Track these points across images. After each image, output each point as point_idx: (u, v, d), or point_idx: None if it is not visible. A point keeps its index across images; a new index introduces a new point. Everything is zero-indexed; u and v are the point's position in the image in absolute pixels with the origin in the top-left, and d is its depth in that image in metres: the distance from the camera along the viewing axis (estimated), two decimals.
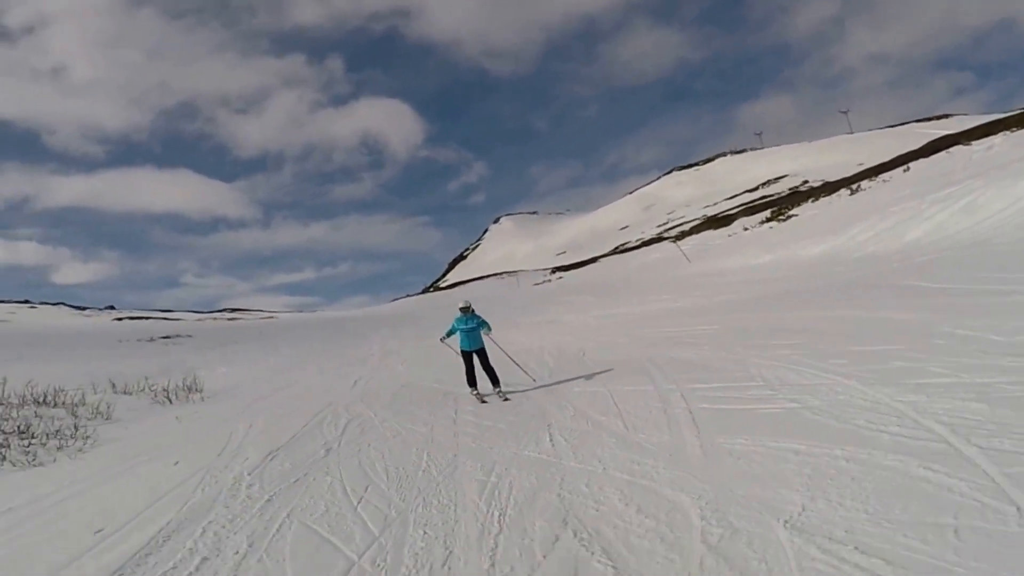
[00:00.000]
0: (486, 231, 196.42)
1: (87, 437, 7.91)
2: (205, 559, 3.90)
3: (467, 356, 9.05)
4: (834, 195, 32.58)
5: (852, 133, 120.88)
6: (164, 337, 29.39)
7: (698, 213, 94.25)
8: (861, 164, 64.29)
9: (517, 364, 9.79)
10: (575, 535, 3.60)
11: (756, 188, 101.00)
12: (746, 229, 33.66)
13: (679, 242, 37.91)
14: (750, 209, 52.85)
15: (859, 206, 24.30)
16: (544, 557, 3.41)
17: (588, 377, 8.50)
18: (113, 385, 12.22)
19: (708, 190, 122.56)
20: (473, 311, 9.37)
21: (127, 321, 49.91)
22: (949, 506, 3.10)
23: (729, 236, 33.79)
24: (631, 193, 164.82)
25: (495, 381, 8.72)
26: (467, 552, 3.61)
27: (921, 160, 30.39)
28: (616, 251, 73.20)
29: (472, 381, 8.85)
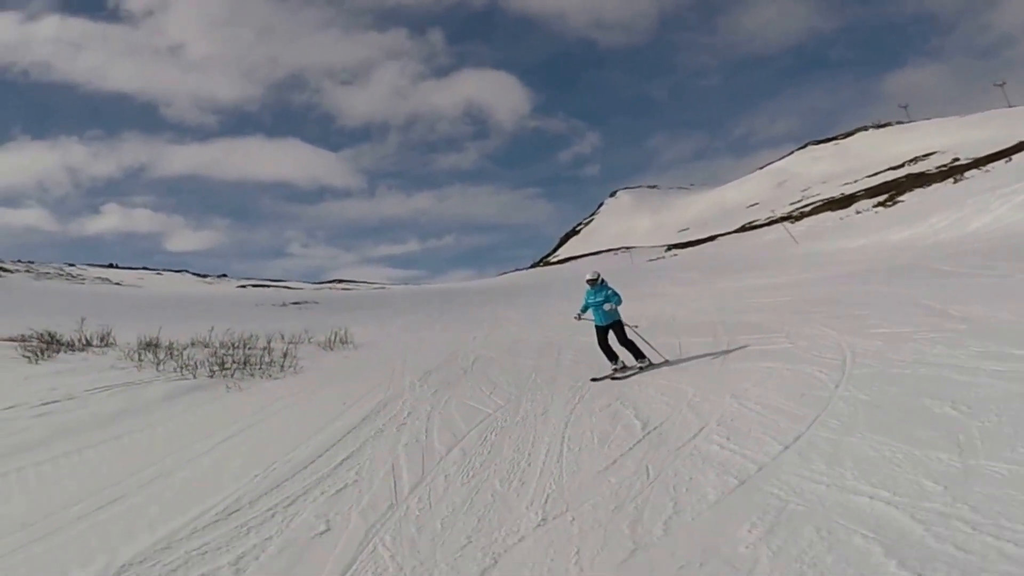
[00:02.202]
0: (601, 205, 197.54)
1: (293, 367, 11.87)
2: (410, 413, 7.44)
3: (601, 332, 9.18)
4: (942, 183, 33.19)
5: (1010, 107, 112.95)
6: (294, 303, 34.70)
7: (835, 191, 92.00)
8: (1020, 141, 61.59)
9: (645, 341, 9.41)
10: (620, 402, 6.82)
11: (902, 165, 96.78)
12: (858, 213, 34.83)
13: (793, 223, 39.26)
14: (873, 192, 52.57)
15: (952, 195, 25.56)
16: (599, 410, 6.65)
17: (670, 333, 11.51)
18: (282, 336, 16.41)
19: (847, 166, 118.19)
20: (603, 282, 9.45)
21: (250, 288, 57.09)
22: (811, 385, 6.10)
23: (841, 219, 35.14)
24: (762, 168, 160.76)
25: (638, 355, 8.83)
26: (557, 410, 6.90)
27: None
28: (743, 229, 73.76)
29: (609, 355, 8.98)
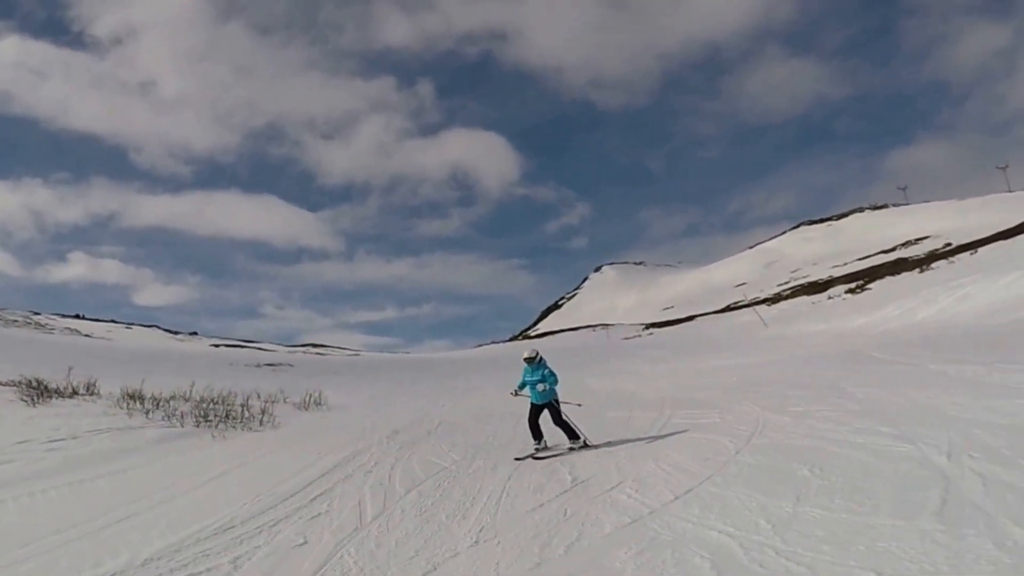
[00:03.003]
0: (586, 279, 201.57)
1: (271, 422, 13.09)
2: (376, 463, 8.74)
3: (536, 409, 9.46)
4: (912, 272, 35.54)
5: (1011, 191, 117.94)
6: (269, 365, 35.70)
7: (823, 273, 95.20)
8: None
9: (572, 424, 9.43)
10: (560, 462, 8.15)
11: (893, 248, 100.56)
12: (830, 298, 36.95)
13: (770, 307, 41.29)
14: (850, 278, 55.11)
15: (913, 285, 27.76)
16: (540, 468, 7.99)
17: (625, 407, 12.87)
18: (258, 395, 17.61)
19: (839, 248, 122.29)
20: (541, 361, 9.67)
21: (224, 348, 57.93)
22: (718, 451, 7.54)
23: (813, 304, 37.29)
24: (752, 248, 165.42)
25: (571, 436, 9.20)
26: (504, 466, 8.23)
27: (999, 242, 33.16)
28: (727, 309, 76.09)
29: (537, 433, 9.30)
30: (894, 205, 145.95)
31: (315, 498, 6.99)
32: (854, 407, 8.93)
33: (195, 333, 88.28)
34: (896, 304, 23.54)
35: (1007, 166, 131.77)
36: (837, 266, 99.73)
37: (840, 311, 29.29)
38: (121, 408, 12.62)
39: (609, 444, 9.05)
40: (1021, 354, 11.30)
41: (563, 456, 8.66)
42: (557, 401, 9.42)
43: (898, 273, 37.19)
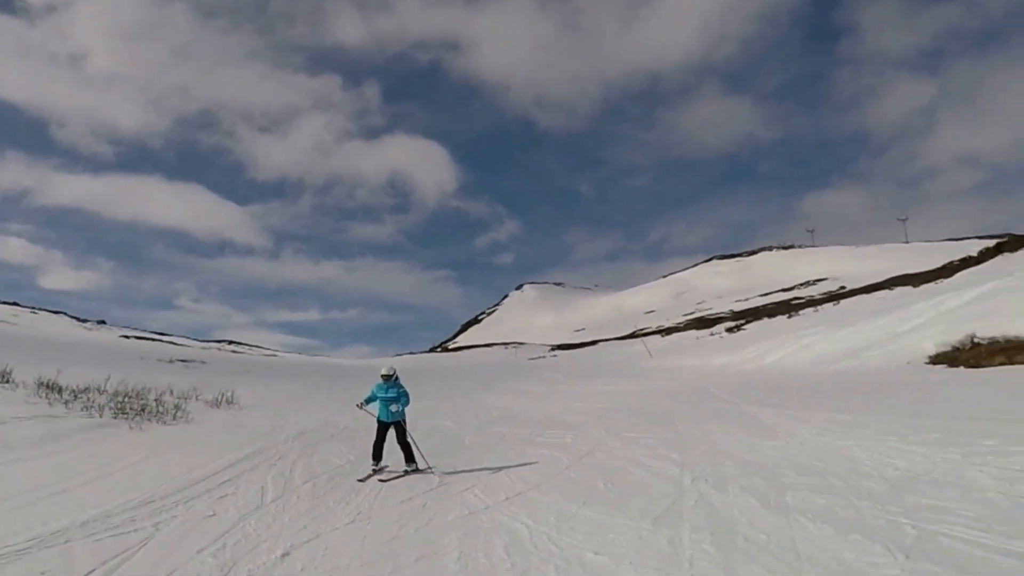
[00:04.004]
0: (506, 296, 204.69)
1: (184, 417, 14.22)
2: (280, 458, 10.15)
3: (382, 428, 9.78)
4: (783, 316, 39.10)
5: (907, 243, 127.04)
6: (182, 360, 35.95)
7: (726, 307, 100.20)
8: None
9: (417, 448, 9.94)
10: (430, 468, 9.79)
11: (792, 288, 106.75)
12: (712, 335, 40.10)
13: (664, 337, 44.24)
14: (737, 315, 58.99)
15: (777, 329, 31.00)
16: (415, 471, 9.60)
17: (504, 424, 14.56)
18: (171, 391, 18.52)
19: (744, 284, 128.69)
20: (396, 379, 10.06)
21: (133, 340, 57.00)
22: (554, 464, 9.33)
23: (697, 339, 40.29)
24: (665, 277, 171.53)
25: (409, 459, 9.64)
26: (390, 468, 9.78)
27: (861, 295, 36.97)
28: (633, 335, 79.45)
29: (377, 455, 9.61)
30: (800, 246, 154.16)
31: (224, 483, 8.41)
32: (668, 436, 10.91)
33: (103, 322, 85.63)
34: (755, 347, 26.38)
35: (907, 219, 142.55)
36: (739, 300, 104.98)
37: (712, 348, 32.14)
38: (41, 397, 13.52)
39: (478, 456, 10.73)
40: (823, 402, 13.60)
41: (434, 459, 10.26)
42: (404, 422, 9.80)
43: (775, 316, 40.65)
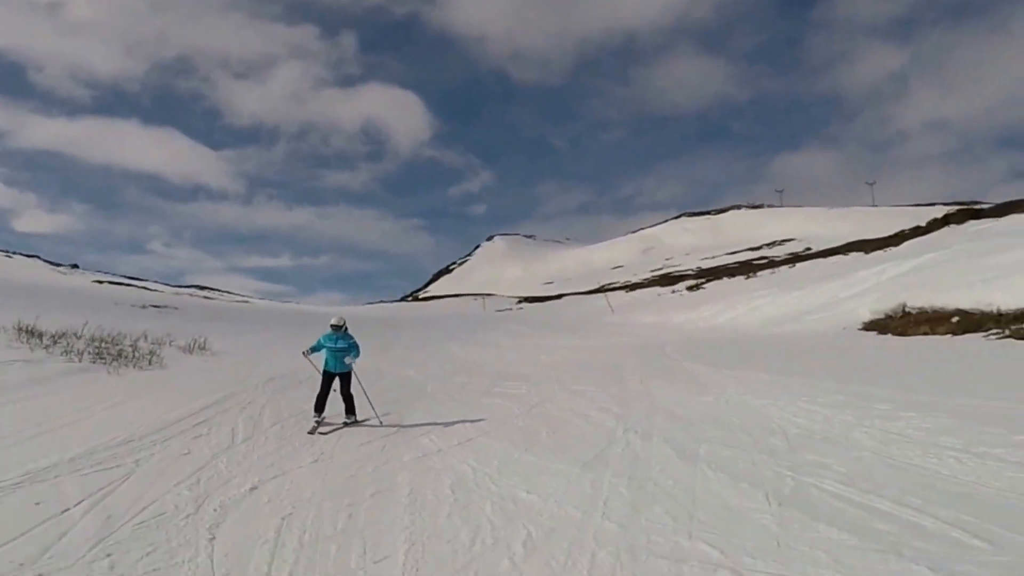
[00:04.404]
0: (477, 247, 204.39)
1: (159, 363, 14.70)
2: (251, 403, 10.75)
3: (327, 378, 9.79)
4: (742, 277, 40.28)
5: (875, 206, 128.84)
6: (155, 306, 36.08)
7: (694, 264, 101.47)
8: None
9: (369, 400, 10.16)
10: (388, 414, 10.46)
11: (760, 247, 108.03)
12: (674, 292, 41.17)
13: (628, 292, 45.25)
14: (700, 274, 60.20)
15: (734, 290, 32.16)
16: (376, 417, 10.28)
17: (466, 374, 15.26)
18: (146, 337, 18.92)
19: (712, 242, 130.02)
20: (346, 330, 10.15)
21: (108, 286, 56.61)
22: (507, 414, 10.08)
23: (659, 295, 41.31)
24: (634, 232, 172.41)
25: (350, 410, 9.75)
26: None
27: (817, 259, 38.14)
28: (600, 290, 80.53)
29: (320, 406, 9.58)
30: (769, 206, 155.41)
31: (197, 424, 9.02)
32: (613, 391, 11.71)
33: (76, 266, 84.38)
34: (710, 306, 27.41)
35: (875, 183, 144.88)
36: (707, 258, 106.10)
37: (671, 306, 33.15)
38: (22, 343, 13.91)
39: (437, 404, 11.45)
40: (758, 362, 14.50)
41: (396, 405, 10.95)
42: (351, 374, 10.00)
43: (734, 276, 41.74)
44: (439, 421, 9.89)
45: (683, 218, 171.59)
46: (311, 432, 9.13)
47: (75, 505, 5.76)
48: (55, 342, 14.28)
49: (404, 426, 9.65)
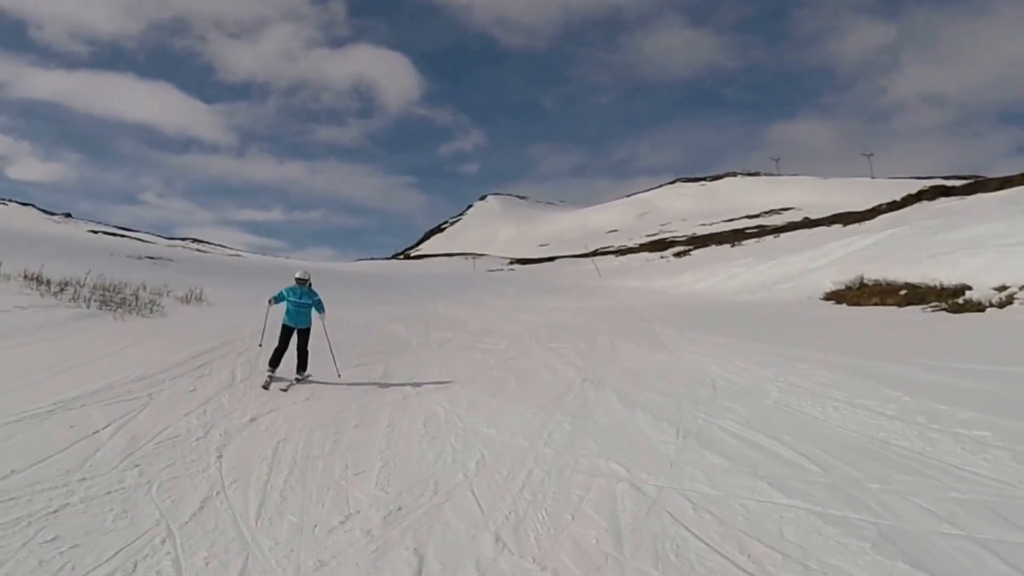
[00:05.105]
0: (470, 206, 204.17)
1: (160, 311, 15.74)
2: (247, 348, 11.81)
3: (287, 332, 9.91)
4: (728, 245, 41.46)
5: (873, 178, 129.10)
6: (150, 257, 36.96)
7: (689, 230, 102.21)
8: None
9: (332, 354, 10.38)
10: (375, 360, 11.56)
11: (757, 215, 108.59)
12: (662, 258, 42.34)
13: (618, 257, 46.35)
14: (691, 241, 61.21)
15: (719, 257, 33.37)
16: (358, 364, 11.37)
17: (450, 331, 16.33)
18: (144, 287, 19.90)
19: (708, 208, 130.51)
20: (310, 285, 10.20)
21: (102, 236, 57.36)
22: (482, 365, 11.20)
23: (647, 261, 42.47)
24: (629, 196, 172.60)
25: (303, 366, 9.82)
26: (341, 362, 11.55)
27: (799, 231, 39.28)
28: (594, 253, 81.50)
29: (276, 360, 9.64)
30: (766, 174, 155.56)
31: (200, 366, 10.11)
32: (583, 348, 12.85)
33: (69, 215, 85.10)
34: (691, 273, 28.70)
35: (872, 154, 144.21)
36: (703, 224, 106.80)
37: (656, 272, 34.42)
38: (32, 290, 14.91)
39: (420, 356, 12.56)
40: (719, 327, 15.63)
41: (381, 356, 12.04)
42: (309, 330, 10.14)
43: (721, 244, 42.84)
44: (420, 370, 11.01)
45: (678, 184, 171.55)
46: (265, 387, 9.21)
47: (103, 428, 6.86)
48: (62, 290, 15.26)
49: (388, 374, 10.76)
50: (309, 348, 10.06)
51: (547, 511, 5.02)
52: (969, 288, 16.32)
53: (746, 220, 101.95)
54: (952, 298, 16.37)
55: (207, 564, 4.26)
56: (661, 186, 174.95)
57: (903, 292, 18.08)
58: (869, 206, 55.47)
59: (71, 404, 7.55)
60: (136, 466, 5.90)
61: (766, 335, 13.76)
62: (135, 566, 4.18)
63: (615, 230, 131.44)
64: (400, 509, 5.12)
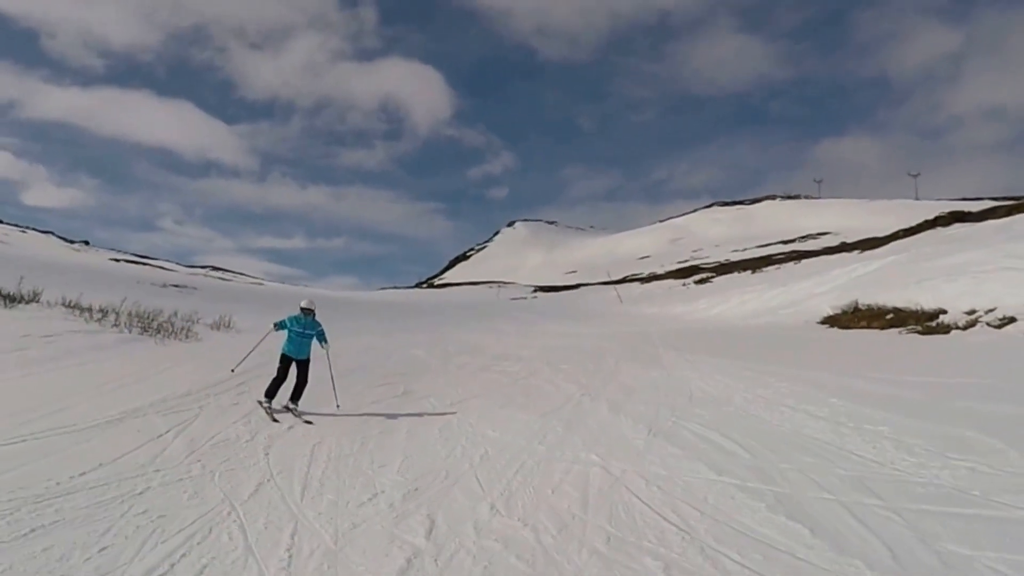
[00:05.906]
0: (497, 233, 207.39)
1: (194, 337, 17.45)
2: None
3: (286, 363, 10.18)
4: (749, 272, 42.80)
5: (918, 200, 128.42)
6: (175, 286, 39.10)
7: (722, 255, 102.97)
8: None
9: (334, 384, 10.75)
10: (396, 381, 13.08)
11: (793, 240, 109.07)
12: (683, 285, 43.69)
13: (643, 284, 47.70)
14: (714, 268, 62.33)
15: (736, 284, 34.89)
16: (381, 384, 12.89)
17: (466, 354, 17.81)
18: (176, 314, 21.69)
19: (744, 233, 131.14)
20: (315, 315, 10.46)
21: (124, 264, 60.09)
22: (495, 384, 12.72)
23: (670, 288, 43.87)
24: (663, 221, 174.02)
25: (297, 396, 10.10)
26: (367, 382, 13.07)
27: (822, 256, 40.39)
28: (623, 280, 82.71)
29: (273, 391, 9.93)
30: (806, 197, 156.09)
31: (239, 384, 11.70)
32: (589, 368, 14.29)
33: (87, 243, 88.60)
34: (706, 299, 30.33)
35: (918, 174, 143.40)
36: (736, 251, 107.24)
37: (675, 298, 36.04)
38: (76, 316, 16.70)
39: (439, 377, 14.06)
40: (717, 348, 17.08)
41: (403, 377, 13.54)
42: (309, 361, 10.47)
43: (744, 271, 44.16)
44: (437, 388, 12.49)
45: (715, 207, 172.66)
46: (273, 419, 9.56)
47: (166, 432, 8.43)
48: (104, 316, 17.05)
49: (408, 392, 12.26)
50: (309, 377, 10.41)
51: (533, 488, 6.52)
52: (944, 312, 18.02)
53: (780, 246, 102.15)
54: (927, 321, 17.99)
55: (266, 528, 5.74)
56: (696, 210, 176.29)
57: (889, 316, 19.69)
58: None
59: (135, 413, 9.15)
60: (199, 461, 7.43)
61: (752, 355, 15.25)
62: (210, 530, 5.66)
63: (647, 256, 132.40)
64: (417, 490, 6.61)
